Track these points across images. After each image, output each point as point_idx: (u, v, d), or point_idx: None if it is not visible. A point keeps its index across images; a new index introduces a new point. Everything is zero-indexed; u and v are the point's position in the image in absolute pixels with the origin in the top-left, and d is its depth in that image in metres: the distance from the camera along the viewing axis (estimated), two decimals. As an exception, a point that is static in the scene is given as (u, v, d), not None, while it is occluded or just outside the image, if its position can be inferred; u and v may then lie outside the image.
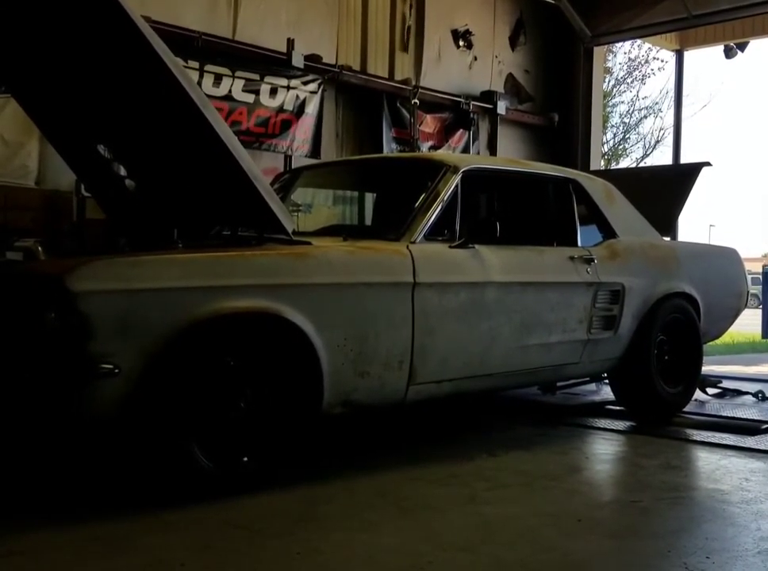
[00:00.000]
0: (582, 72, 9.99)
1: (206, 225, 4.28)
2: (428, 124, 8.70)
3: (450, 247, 4.16)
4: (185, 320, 3.14)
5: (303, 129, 7.44)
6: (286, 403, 3.49)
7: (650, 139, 20.79)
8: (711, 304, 5.69)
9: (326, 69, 7.68)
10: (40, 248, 3.62)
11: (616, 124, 19.96)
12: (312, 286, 3.55)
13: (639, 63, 19.88)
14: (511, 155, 9.85)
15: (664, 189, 6.23)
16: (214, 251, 3.45)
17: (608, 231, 5.18)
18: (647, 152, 20.61)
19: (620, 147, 20.23)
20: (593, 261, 4.84)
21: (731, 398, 6.46)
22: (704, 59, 54.27)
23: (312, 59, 7.49)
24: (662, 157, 21.00)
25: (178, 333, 3.12)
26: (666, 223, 5.97)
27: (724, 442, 4.61)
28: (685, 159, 11.59)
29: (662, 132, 20.64)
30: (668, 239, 5.92)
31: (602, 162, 14.93)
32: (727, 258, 6.13)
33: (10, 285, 3.08)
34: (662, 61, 19.54)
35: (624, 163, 20.56)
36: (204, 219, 4.27)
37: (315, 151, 7.55)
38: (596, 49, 10.05)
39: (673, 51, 11.67)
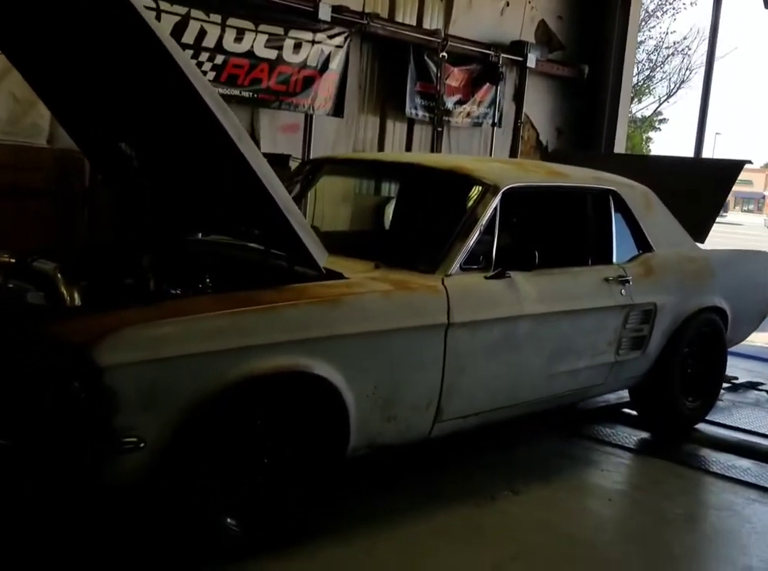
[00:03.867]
0: (617, 22, 9.52)
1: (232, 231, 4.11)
2: (455, 77, 8.32)
3: (485, 277, 3.98)
4: (214, 387, 3.00)
5: (326, 86, 7.09)
6: (310, 454, 3.39)
7: (676, 78, 20.07)
8: (739, 312, 5.55)
9: (353, 21, 7.26)
10: (59, 275, 3.43)
11: (641, 60, 19.24)
12: (345, 337, 3.39)
13: (672, -5, 18.96)
14: (537, 107, 9.51)
15: (701, 188, 5.97)
16: (243, 301, 3.25)
17: (644, 245, 4.98)
18: (672, 91, 19.95)
19: (644, 85, 19.54)
20: (628, 281, 4.67)
21: (744, 392, 6.44)
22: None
23: (340, 10, 7.08)
24: (686, 97, 20.33)
25: (206, 400, 2.98)
26: (701, 227, 5.75)
27: (746, 477, 4.54)
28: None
29: (688, 72, 19.89)
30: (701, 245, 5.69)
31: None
32: (759, 263, 5.94)
33: (33, 348, 2.91)
34: (695, -6, 18.64)
35: (647, 102, 19.96)
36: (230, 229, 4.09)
37: (338, 109, 7.22)
38: (634, -3, 9.54)
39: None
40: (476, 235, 3.99)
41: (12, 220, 5.65)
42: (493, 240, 4.07)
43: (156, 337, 2.91)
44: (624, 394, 5.54)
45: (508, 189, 4.18)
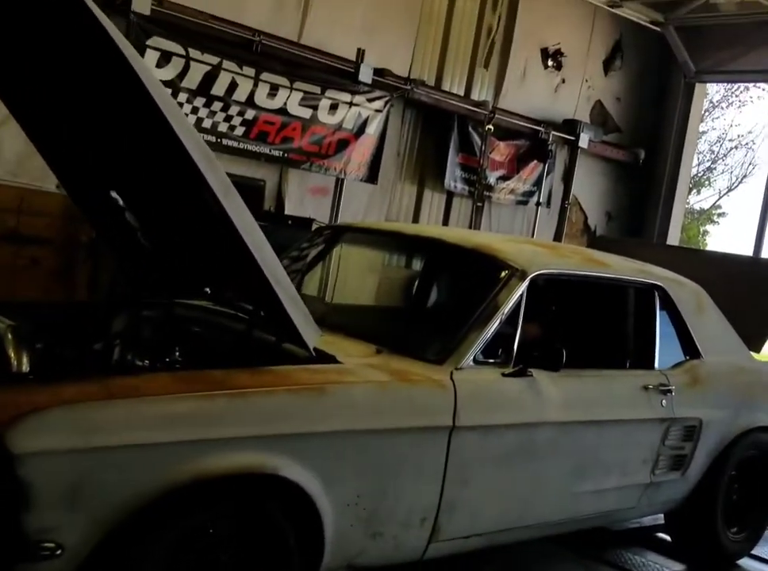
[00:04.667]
0: (679, 109, 9.07)
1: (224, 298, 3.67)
2: (500, 151, 7.92)
3: (503, 374, 3.45)
4: (158, 486, 2.50)
5: (361, 151, 6.72)
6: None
7: (738, 172, 19.36)
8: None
9: (396, 86, 6.92)
10: (10, 336, 3.00)
11: (702, 151, 18.64)
12: (326, 435, 2.87)
13: (738, 87, 18.37)
14: (587, 188, 9.04)
15: (759, 291, 5.38)
16: (209, 382, 2.76)
17: (691, 350, 4.39)
18: (733, 185, 19.25)
19: (704, 176, 18.91)
20: (670, 392, 4.09)
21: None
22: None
23: (382, 73, 6.74)
24: (747, 192, 19.60)
25: (147, 501, 2.48)
26: (757, 335, 5.14)
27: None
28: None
29: (751, 167, 19.17)
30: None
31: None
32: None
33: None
34: (764, 89, 18.06)
35: (706, 194, 19.29)
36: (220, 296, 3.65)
37: (372, 175, 6.84)
38: (697, 86, 9.09)
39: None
40: (496, 324, 3.47)
41: (9, 268, 5.33)
42: (516, 332, 3.55)
43: (90, 421, 2.42)
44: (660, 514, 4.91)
45: (537, 275, 3.67)
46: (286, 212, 6.44)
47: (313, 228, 6.01)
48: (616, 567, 4.39)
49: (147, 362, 3.15)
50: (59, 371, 2.96)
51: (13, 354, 2.94)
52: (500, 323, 3.49)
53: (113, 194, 3.69)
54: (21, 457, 2.26)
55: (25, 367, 2.93)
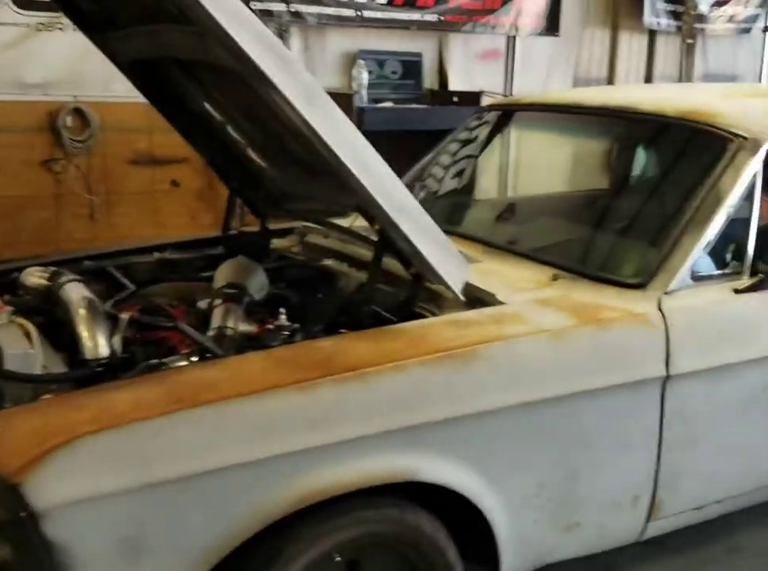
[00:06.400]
0: None
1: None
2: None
3: (736, 290, 2.50)
4: (252, 520, 1.84)
5: (534, -1, 5.58)
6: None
7: None
8: None
9: None
10: (83, 311, 2.38)
11: None
12: (482, 417, 2.09)
13: None
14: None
15: None
16: (315, 363, 2.02)
17: None
18: None
19: None
20: None
21: None
22: None
23: None
24: None
25: (238, 542, 1.84)
26: None
27: None
28: None
29: None
30: None
31: None
32: None
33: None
34: None
35: None
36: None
37: (552, 26, 5.74)
38: None
39: None
40: (720, 221, 2.48)
41: (150, 194, 4.92)
42: (749, 229, 2.56)
43: (148, 447, 1.77)
44: None
45: (776, 141, 2.60)
46: (451, 88, 5.50)
47: (482, 103, 5.07)
48: None
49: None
50: (144, 350, 2.35)
51: (86, 335, 2.34)
52: (726, 219, 2.49)
53: (207, 106, 3.04)
54: (47, 513, 1.66)
55: (103, 350, 2.31)
